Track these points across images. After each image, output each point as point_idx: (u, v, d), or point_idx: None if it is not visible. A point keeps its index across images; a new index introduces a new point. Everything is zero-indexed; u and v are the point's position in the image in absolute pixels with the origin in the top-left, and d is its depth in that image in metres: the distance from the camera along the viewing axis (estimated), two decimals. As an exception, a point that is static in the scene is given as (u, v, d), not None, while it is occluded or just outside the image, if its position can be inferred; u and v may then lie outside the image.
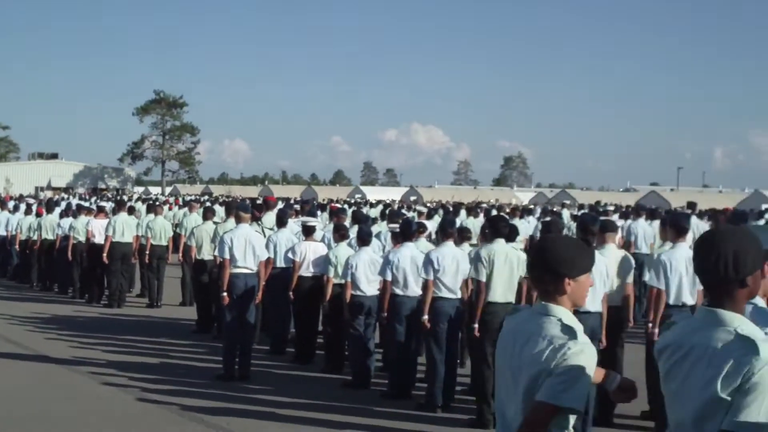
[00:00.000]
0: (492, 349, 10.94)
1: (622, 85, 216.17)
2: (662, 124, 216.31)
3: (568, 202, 49.44)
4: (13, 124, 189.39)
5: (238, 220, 13.80)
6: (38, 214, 25.02)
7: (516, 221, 23.29)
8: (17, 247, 25.28)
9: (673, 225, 10.87)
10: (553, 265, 4.12)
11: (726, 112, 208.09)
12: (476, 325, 10.79)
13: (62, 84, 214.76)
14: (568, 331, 4.00)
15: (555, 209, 36.25)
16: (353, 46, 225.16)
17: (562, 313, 4.12)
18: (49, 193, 79.06)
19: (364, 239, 13.17)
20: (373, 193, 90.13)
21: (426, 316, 11.26)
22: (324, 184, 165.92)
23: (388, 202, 52.15)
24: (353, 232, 14.62)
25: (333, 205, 29.72)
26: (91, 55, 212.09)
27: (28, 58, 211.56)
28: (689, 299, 10.34)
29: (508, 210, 31.53)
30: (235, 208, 14.65)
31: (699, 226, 20.75)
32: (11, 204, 29.41)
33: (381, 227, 18.30)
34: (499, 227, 11.33)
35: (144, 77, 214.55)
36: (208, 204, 31.96)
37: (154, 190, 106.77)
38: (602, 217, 14.02)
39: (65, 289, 22.84)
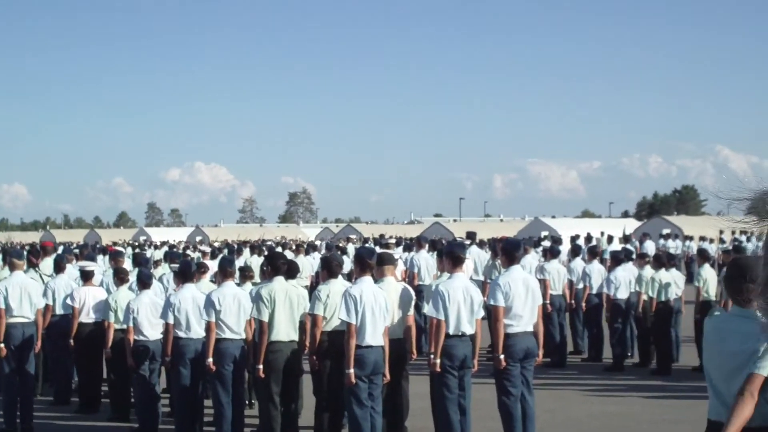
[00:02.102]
0: (278, 388, 11.08)
1: (402, 117, 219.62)
2: (444, 155, 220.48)
3: (353, 236, 50.15)
4: None
5: (12, 268, 13.43)
6: None
7: (301, 258, 23.52)
8: None
9: (449, 255, 11.10)
10: (753, 278, 4.82)
11: (504, 142, 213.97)
12: (260, 366, 10.88)
13: None
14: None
15: (340, 244, 36.66)
16: (133, 85, 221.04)
17: (754, 313, 5.18)
18: None
19: (144, 282, 13.06)
20: (158, 235, 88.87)
21: (210, 359, 11.25)
22: (108, 227, 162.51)
23: (173, 243, 51.64)
24: (134, 275, 14.50)
25: (111, 248, 29.21)
26: None
27: None
28: (468, 328, 10.55)
29: (293, 246, 31.70)
30: (9, 255, 14.28)
31: (480, 255, 21.39)
32: None
33: (165, 269, 18.19)
34: (277, 265, 11.50)
35: None
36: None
37: None
38: (380, 250, 14.30)
39: None
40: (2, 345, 12.71)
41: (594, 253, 19.63)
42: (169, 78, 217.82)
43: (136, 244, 53.92)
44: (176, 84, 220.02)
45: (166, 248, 38.44)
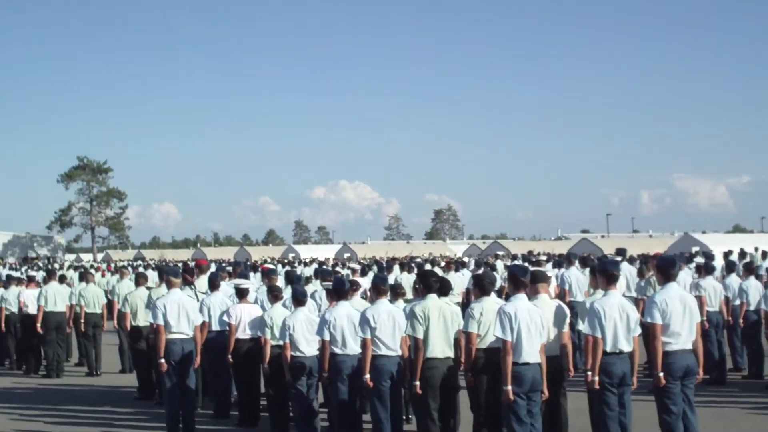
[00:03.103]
0: (435, 404, 11.13)
1: (548, 133, 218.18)
2: (590, 171, 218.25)
3: (501, 253, 49.87)
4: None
5: (170, 285, 13.83)
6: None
7: (452, 275, 23.51)
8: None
9: (603, 272, 10.99)
10: None
11: (651, 157, 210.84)
12: (417, 382, 10.95)
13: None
14: None
15: (489, 261, 36.56)
16: (276, 106, 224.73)
17: None
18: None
19: (299, 300, 13.22)
20: (306, 252, 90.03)
21: (367, 375, 11.33)
22: (256, 244, 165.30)
23: (321, 260, 52.22)
24: (287, 292, 14.72)
25: (264, 266, 29.72)
26: (12, 120, 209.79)
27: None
28: (626, 346, 10.44)
29: (442, 263, 31.72)
30: (166, 273, 14.66)
31: (630, 272, 21.07)
32: None
33: (315, 286, 18.39)
34: (429, 282, 11.54)
35: (66, 142, 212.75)
36: (140, 269, 31.83)
37: (86, 257, 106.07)
38: (532, 268, 14.22)
39: (1, 361, 22.60)
40: (163, 360, 13.08)
41: (750, 269, 19.17)
42: (312, 98, 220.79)
43: (286, 261, 54.69)
44: (320, 104, 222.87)
45: (315, 265, 38.90)
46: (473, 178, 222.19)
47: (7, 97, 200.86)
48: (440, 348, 11.12)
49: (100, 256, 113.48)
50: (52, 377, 20.15)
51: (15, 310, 21.68)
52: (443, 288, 11.96)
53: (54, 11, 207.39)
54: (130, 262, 66.27)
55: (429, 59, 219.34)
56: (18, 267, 57.31)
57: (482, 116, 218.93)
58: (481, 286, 11.59)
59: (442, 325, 11.21)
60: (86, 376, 20.40)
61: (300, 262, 50.32)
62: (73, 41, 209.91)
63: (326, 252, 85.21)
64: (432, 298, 11.36)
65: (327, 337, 11.98)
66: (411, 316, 11.24)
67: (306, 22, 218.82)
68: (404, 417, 12.60)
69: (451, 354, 11.27)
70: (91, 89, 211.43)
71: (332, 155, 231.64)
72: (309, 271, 31.81)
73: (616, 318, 10.46)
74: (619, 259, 22.39)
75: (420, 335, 11.05)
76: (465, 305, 19.08)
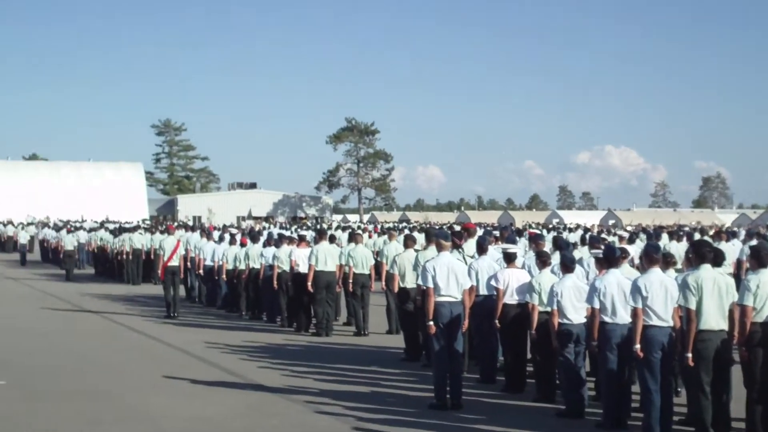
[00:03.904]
0: (708, 378, 10.82)
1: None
2: None
3: (775, 222, 47.97)
4: (212, 155, 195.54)
5: (440, 248, 13.91)
6: (242, 244, 25.80)
7: (722, 245, 22.74)
8: (224, 276, 26.15)
9: None
10: None
11: None
12: (689, 354, 10.68)
13: (257, 113, 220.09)
14: None
15: (760, 231, 35.23)
16: (544, 68, 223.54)
17: None
18: (250, 223, 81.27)
19: (567, 266, 13.12)
20: (570, 217, 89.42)
21: (638, 345, 11.10)
22: (520, 208, 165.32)
23: (587, 226, 51.66)
24: (555, 258, 14.61)
25: (531, 231, 29.58)
26: (285, 83, 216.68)
27: (223, 91, 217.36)
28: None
29: (711, 233, 30.76)
30: (435, 236, 14.76)
31: None
32: (216, 234, 30.39)
33: (582, 253, 18.16)
34: (703, 252, 11.25)
35: (336, 104, 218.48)
36: (407, 232, 32.27)
37: (352, 218, 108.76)
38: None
39: (273, 318, 23.43)
40: (432, 323, 13.22)
41: None
42: (571, 60, 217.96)
43: (550, 226, 54.41)
44: (582, 68, 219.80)
45: (580, 231, 38.51)
46: (744, 143, 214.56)
47: (283, 61, 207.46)
48: (714, 320, 10.83)
49: (366, 217, 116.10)
50: (321, 336, 20.73)
51: (287, 268, 22.33)
52: (717, 258, 11.61)
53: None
54: (396, 224, 67.42)
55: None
56: (288, 226, 59.16)
57: (757, 76, 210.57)
58: (758, 257, 11.17)
59: (716, 296, 10.91)
60: (354, 335, 20.91)
61: (564, 228, 49.94)
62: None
63: (590, 218, 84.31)
64: (706, 268, 11.06)
65: (597, 305, 11.82)
66: (684, 287, 10.97)
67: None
68: (674, 389, 12.33)
69: (725, 326, 10.95)
70: (361, 53, 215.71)
71: (598, 119, 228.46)
72: (574, 237, 31.51)
73: None
74: None
75: (693, 306, 10.79)
76: (737, 277, 18.47)
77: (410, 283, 17.68)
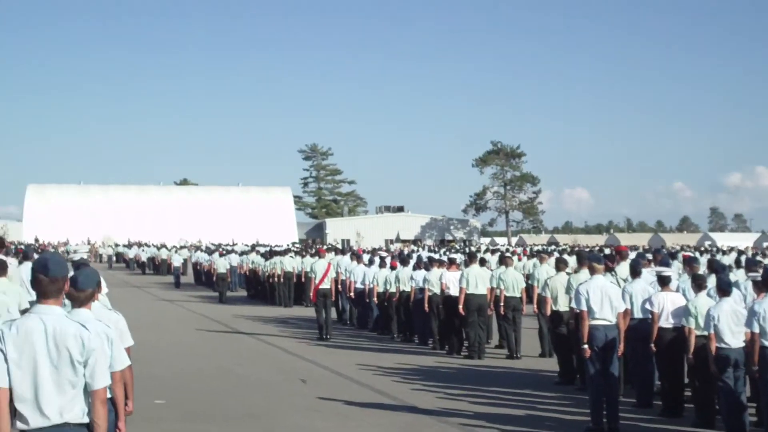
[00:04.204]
0: None
1: None
2: None
3: None
4: (359, 179, 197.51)
5: (592, 271, 13.85)
6: (392, 267, 26.01)
7: None
8: (375, 299, 26.39)
9: None
10: None
11: None
12: None
13: (403, 137, 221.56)
14: None
15: None
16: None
17: None
18: (398, 246, 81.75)
19: (724, 289, 12.93)
20: (722, 240, 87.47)
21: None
22: (670, 231, 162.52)
23: (741, 249, 50.56)
24: (710, 281, 14.39)
25: (685, 254, 29.12)
26: (431, 106, 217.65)
27: (369, 116, 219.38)
28: None
29: None
30: (588, 259, 14.71)
31: None
32: (366, 257, 30.67)
33: (737, 276, 17.84)
34: None
35: (482, 127, 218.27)
36: (557, 254, 32.10)
37: (500, 241, 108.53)
38: None
39: (425, 340, 23.50)
40: (586, 346, 13.16)
41: None
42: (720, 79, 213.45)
43: (703, 249, 53.41)
44: (731, 90, 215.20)
45: (734, 254, 37.74)
46: None
47: (427, 85, 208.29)
48: None
49: (514, 240, 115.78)
50: (473, 358, 20.72)
51: (437, 291, 22.43)
52: None
53: None
54: (545, 247, 67.07)
55: None
56: (436, 249, 59.39)
57: None
58: None
59: None
60: (506, 358, 20.85)
61: (718, 251, 48.96)
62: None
63: (744, 240, 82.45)
64: None
65: (756, 330, 11.61)
66: None
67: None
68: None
69: None
70: (507, 76, 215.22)
71: (748, 139, 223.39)
72: (728, 259, 30.92)
73: None
74: None
75: None
76: None
77: (563, 306, 17.61)
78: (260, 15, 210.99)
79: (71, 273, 6.83)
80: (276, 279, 37.39)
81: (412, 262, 26.36)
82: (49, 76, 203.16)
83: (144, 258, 69.79)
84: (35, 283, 6.08)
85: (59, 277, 6.09)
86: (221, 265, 41.60)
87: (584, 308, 13.24)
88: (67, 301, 6.82)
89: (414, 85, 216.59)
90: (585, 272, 15.56)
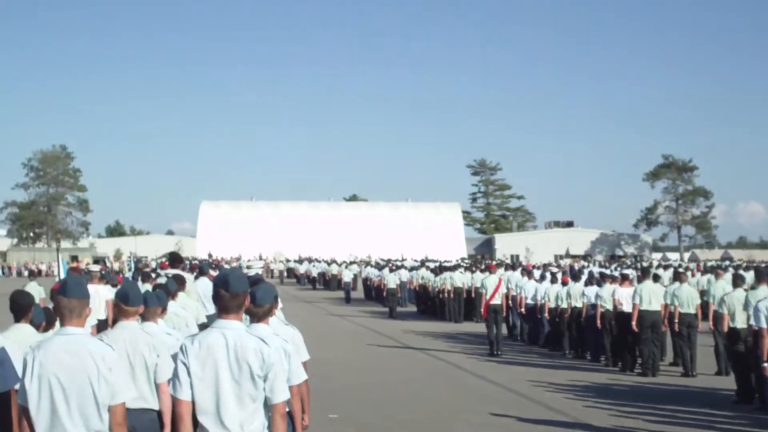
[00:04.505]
0: None
1: None
2: None
3: None
4: (528, 194, 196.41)
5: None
6: (564, 283, 25.80)
7: None
8: (547, 315, 26.21)
9: None
10: None
11: None
12: None
13: (570, 151, 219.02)
14: None
15: None
16: None
17: None
18: (568, 261, 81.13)
19: None
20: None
21: None
22: None
23: None
24: None
25: None
26: (599, 121, 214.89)
27: (537, 131, 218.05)
28: None
29: None
30: (765, 275, 14.38)
31: None
32: (536, 273, 30.48)
33: None
34: None
35: (652, 141, 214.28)
36: (732, 270, 31.34)
37: (672, 256, 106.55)
38: None
39: (597, 357, 23.23)
40: (766, 365, 12.83)
41: None
42: None
43: None
44: None
45: None
46: None
47: (596, 100, 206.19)
48: None
49: (686, 255, 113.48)
50: (647, 376, 20.39)
51: (610, 307, 22.16)
52: None
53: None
54: (718, 262, 65.57)
55: None
56: (607, 265, 58.70)
57: None
58: None
59: None
60: (681, 376, 20.44)
61: None
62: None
63: None
64: None
65: None
66: None
67: None
68: None
69: None
70: (677, 89, 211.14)
71: None
72: None
73: None
74: None
75: None
76: None
77: (740, 323, 17.16)
78: (432, 30, 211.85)
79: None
80: (446, 294, 37.53)
81: (584, 277, 26.10)
82: (230, 98, 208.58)
83: (314, 273, 70.90)
84: (217, 298, 6.22)
85: (240, 293, 6.21)
86: (391, 280, 41.89)
87: (764, 326, 12.97)
88: (245, 316, 6.96)
89: (583, 99, 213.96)
90: (764, 288, 15.17)
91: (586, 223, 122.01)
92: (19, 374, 6.55)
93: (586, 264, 63.80)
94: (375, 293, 51.05)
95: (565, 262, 77.43)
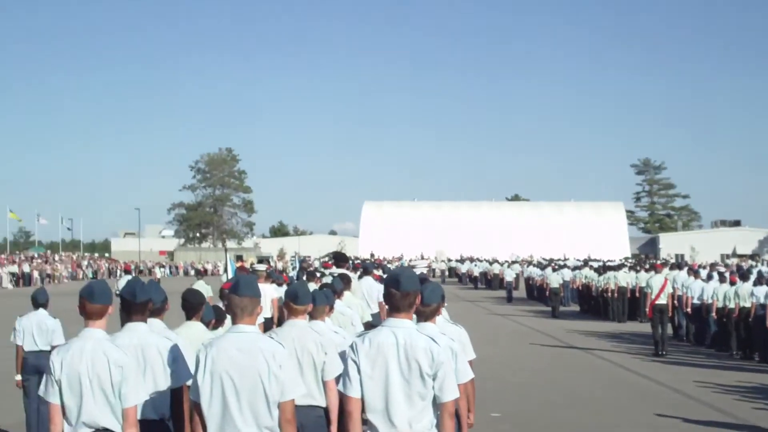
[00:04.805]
0: None
1: None
2: None
3: None
4: (693, 192, 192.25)
5: None
6: (732, 282, 25.24)
7: None
8: (714, 315, 25.68)
9: None
10: None
11: None
12: None
13: (737, 149, 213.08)
14: None
15: None
16: None
17: None
18: (735, 261, 79.21)
19: None
20: None
21: None
22: None
23: None
24: None
25: None
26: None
27: (695, 125, 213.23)
28: None
29: None
30: None
31: None
32: (704, 272, 29.91)
33: None
34: None
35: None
36: None
37: None
38: None
39: (766, 358, 22.68)
40: None
41: None
42: None
43: None
44: None
45: None
46: None
47: (730, 96, 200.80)
48: None
49: None
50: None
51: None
52: None
53: None
54: None
55: None
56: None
57: None
58: None
59: None
60: None
61: None
62: None
63: None
64: None
65: None
66: None
67: None
68: None
69: None
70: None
71: None
72: None
73: None
74: None
75: None
76: None
77: None
78: (605, 27, 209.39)
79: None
80: (610, 294, 37.14)
81: (753, 277, 25.49)
82: (390, 101, 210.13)
83: (476, 272, 70.96)
84: (387, 297, 6.26)
85: (411, 291, 6.22)
86: (554, 279, 41.60)
87: None
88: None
89: (747, 94, 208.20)
90: None
91: (754, 222, 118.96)
92: (191, 371, 6.75)
93: (754, 264, 62.01)
94: (537, 292, 50.84)
95: (732, 262, 75.54)
